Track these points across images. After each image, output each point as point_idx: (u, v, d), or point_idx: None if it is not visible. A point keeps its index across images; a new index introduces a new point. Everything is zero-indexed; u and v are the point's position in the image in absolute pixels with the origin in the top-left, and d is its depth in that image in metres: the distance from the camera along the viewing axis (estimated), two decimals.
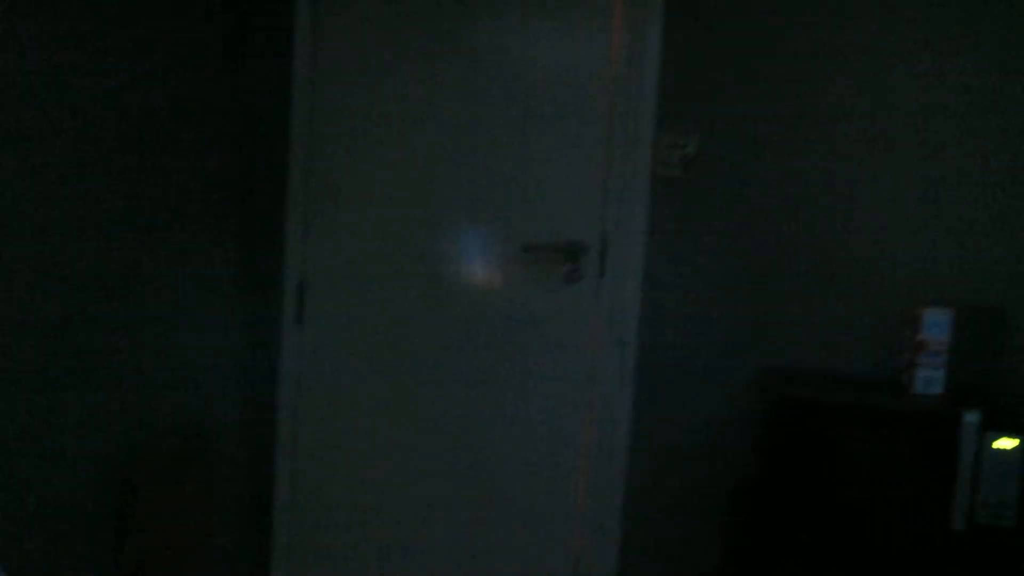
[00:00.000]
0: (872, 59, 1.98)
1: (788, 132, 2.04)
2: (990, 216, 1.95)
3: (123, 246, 1.67)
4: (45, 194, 1.47)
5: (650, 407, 2.14)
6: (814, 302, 2.04)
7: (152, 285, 1.77)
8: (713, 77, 2.07)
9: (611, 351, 2.11)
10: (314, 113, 2.24)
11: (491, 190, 2.14)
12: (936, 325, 1.86)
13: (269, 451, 2.30)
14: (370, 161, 2.21)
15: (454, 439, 2.21)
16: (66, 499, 1.57)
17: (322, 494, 2.30)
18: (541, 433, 2.16)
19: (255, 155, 2.14)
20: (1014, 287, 1.96)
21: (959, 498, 1.85)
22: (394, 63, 2.17)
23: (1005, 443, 1.77)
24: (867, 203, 2.00)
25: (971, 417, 1.77)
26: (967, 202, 1.96)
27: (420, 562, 2.26)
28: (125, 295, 1.69)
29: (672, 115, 2.06)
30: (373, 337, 2.24)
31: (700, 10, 2.05)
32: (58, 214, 1.50)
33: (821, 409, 1.97)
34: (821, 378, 1.99)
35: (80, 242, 1.56)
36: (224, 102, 1.96)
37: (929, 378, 1.88)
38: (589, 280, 2.11)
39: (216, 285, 1.99)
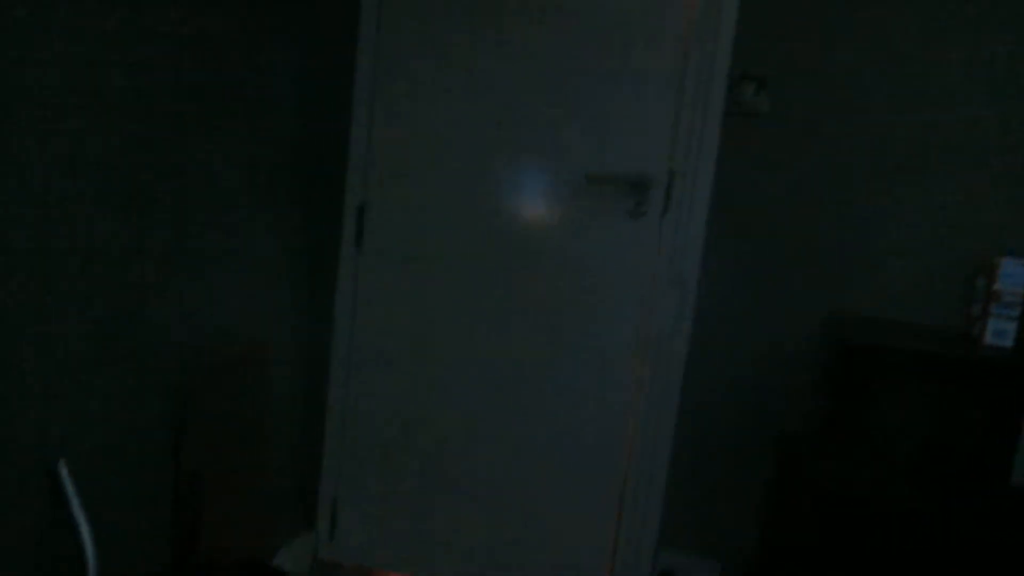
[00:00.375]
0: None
1: (866, 74, 1.93)
2: None
3: (186, 165, 1.62)
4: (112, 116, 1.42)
5: (706, 348, 2.07)
6: (885, 249, 1.95)
7: (213, 202, 1.72)
8: (794, 12, 1.96)
9: (669, 290, 2.03)
10: (380, 36, 2.16)
11: (558, 119, 2.06)
12: (1013, 275, 1.78)
13: (324, 366, 2.28)
14: (436, 85, 2.14)
15: (506, 364, 2.17)
16: (127, 402, 1.56)
17: (374, 410, 2.28)
18: (594, 366, 2.10)
19: (319, 78, 2.07)
20: None
21: (1021, 453, 1.78)
22: None
23: None
24: (944, 146, 1.90)
25: None
26: None
27: (466, 479, 2.23)
28: (186, 208, 1.65)
29: (750, 49, 1.96)
30: (431, 261, 2.18)
31: None
32: (124, 132, 1.45)
33: (886, 356, 1.90)
34: (887, 326, 1.91)
35: (146, 159, 1.51)
36: (290, 26, 1.89)
37: (1000, 330, 1.80)
38: (652, 216, 2.03)
39: (277, 203, 1.94)
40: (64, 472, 1.45)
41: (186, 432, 1.74)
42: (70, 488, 1.45)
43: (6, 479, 1.31)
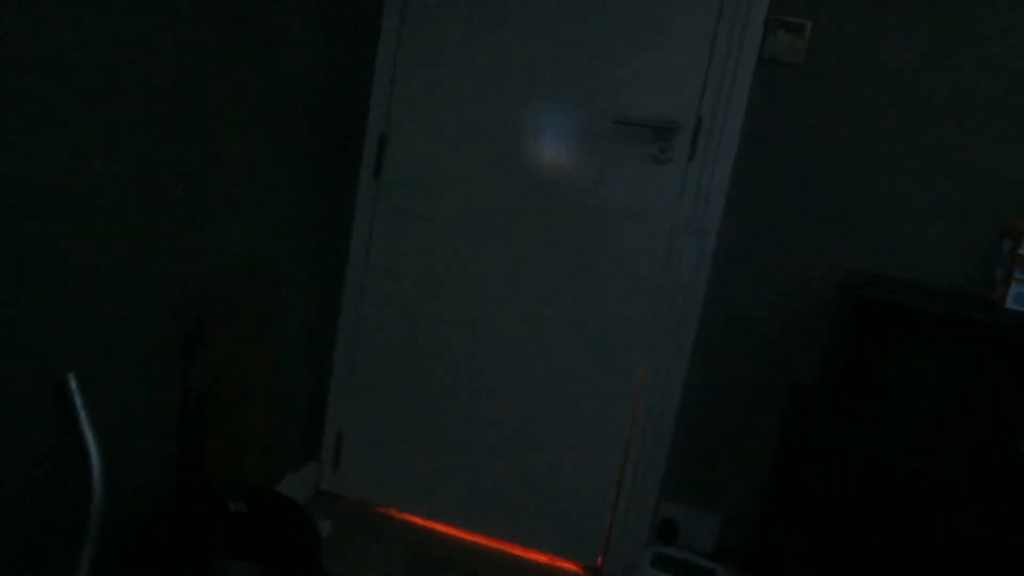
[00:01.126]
0: None
1: (900, 29, 1.81)
2: None
3: (201, 94, 1.50)
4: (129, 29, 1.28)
5: (723, 297, 1.98)
6: (910, 207, 1.86)
7: (229, 130, 1.60)
8: None
9: (690, 237, 1.94)
10: None
11: (588, 60, 1.94)
12: None
13: (336, 299, 2.19)
14: (464, 22, 2.00)
15: (518, 303, 2.08)
16: (141, 325, 1.46)
17: (383, 343, 2.20)
18: (608, 309, 2.02)
19: (346, 9, 1.92)
20: None
21: None
22: None
23: None
24: (975, 106, 1.80)
25: None
26: None
27: (472, 422, 2.16)
28: (203, 136, 1.53)
29: None
30: (449, 197, 2.08)
31: None
32: (143, 52, 1.32)
33: (903, 315, 1.81)
34: (908, 286, 1.82)
35: (159, 89, 1.39)
36: None
37: (1022, 294, 1.72)
38: (677, 162, 1.92)
39: (295, 134, 1.82)
40: (73, 385, 1.35)
41: (197, 355, 1.64)
42: (79, 402, 1.35)
43: (12, 389, 1.20)
